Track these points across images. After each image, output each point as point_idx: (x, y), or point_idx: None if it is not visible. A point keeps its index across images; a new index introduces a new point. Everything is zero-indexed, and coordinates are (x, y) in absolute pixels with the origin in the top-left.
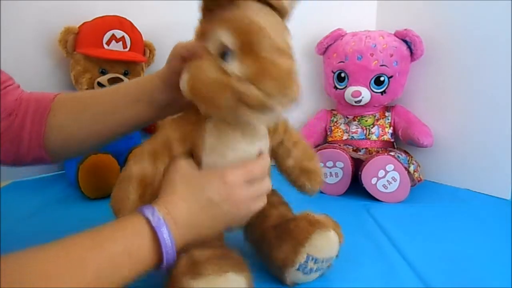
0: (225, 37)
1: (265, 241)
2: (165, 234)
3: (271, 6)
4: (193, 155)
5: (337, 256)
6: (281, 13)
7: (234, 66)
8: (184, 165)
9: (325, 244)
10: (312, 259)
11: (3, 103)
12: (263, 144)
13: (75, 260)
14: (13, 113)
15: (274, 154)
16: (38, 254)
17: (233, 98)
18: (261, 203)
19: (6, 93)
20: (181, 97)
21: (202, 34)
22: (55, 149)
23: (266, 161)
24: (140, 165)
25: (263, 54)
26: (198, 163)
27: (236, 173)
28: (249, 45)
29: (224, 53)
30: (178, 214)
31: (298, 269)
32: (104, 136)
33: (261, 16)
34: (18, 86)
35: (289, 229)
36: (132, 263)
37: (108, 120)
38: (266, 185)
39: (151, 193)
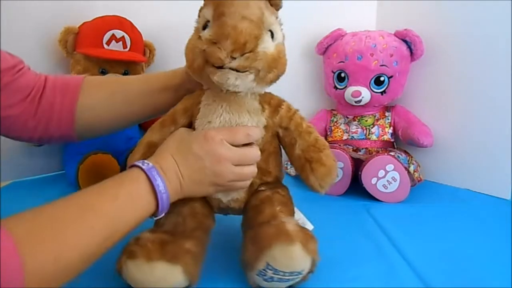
0: (207, 12)
1: (245, 238)
2: (156, 176)
3: None
4: (192, 124)
5: (312, 271)
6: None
7: (206, 33)
8: (180, 130)
9: (284, 258)
10: (271, 269)
11: (22, 83)
12: (255, 120)
13: (87, 206)
14: (32, 92)
15: (282, 142)
16: (46, 208)
17: (202, 59)
18: (247, 170)
19: (22, 74)
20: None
21: (198, 16)
22: (83, 128)
23: (254, 130)
24: (150, 133)
25: (228, 21)
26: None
27: (217, 132)
28: (219, 14)
29: (205, 26)
30: (166, 165)
31: (257, 275)
32: (132, 119)
33: None
34: (29, 68)
35: (260, 231)
36: (134, 210)
37: (137, 104)
38: (253, 152)
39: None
